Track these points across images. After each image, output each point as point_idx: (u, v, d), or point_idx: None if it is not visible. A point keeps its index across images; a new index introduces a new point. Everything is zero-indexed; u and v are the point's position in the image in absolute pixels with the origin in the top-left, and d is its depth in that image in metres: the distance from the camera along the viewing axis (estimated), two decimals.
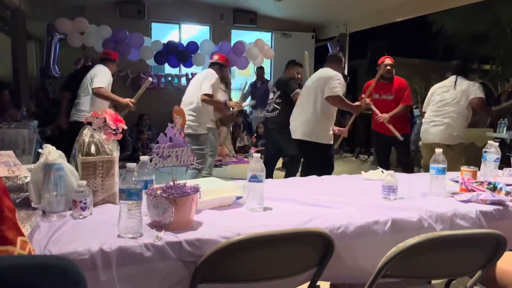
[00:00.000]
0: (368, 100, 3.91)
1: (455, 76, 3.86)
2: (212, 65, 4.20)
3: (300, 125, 3.68)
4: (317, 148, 3.62)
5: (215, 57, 4.28)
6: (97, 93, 4.17)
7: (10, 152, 1.78)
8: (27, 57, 7.35)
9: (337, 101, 3.52)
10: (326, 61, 3.85)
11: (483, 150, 2.30)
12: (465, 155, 3.83)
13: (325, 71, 3.66)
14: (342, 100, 3.53)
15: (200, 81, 3.95)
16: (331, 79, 3.51)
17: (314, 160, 3.69)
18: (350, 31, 8.99)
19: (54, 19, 6.87)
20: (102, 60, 4.59)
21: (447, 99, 3.83)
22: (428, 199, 1.90)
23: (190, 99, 3.95)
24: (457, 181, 2.16)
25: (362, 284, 1.46)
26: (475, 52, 12.62)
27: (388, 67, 4.35)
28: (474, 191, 1.91)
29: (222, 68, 4.15)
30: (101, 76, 4.28)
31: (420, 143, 4.12)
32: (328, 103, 3.52)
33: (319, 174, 2.53)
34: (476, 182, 2.02)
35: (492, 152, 2.25)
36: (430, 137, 3.89)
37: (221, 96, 4.28)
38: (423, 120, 4.06)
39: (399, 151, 4.69)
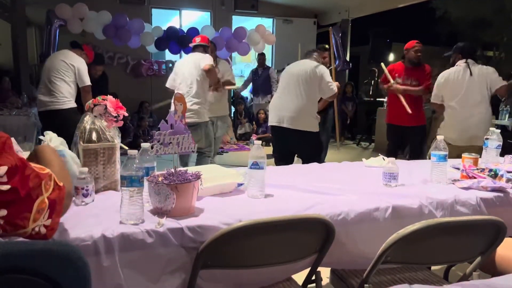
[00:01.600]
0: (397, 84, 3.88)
1: (465, 60, 3.53)
2: (195, 48, 4.12)
3: (291, 114, 3.56)
4: (310, 136, 3.61)
5: (197, 39, 4.19)
6: (87, 91, 4.08)
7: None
8: (27, 43, 7.32)
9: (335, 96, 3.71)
10: (309, 54, 3.79)
11: (485, 137, 2.30)
12: None
13: (313, 65, 3.60)
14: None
15: (194, 65, 3.87)
16: (324, 77, 3.53)
17: (308, 149, 3.66)
18: (352, 17, 8.90)
19: (53, 5, 6.81)
20: (73, 45, 4.30)
21: (468, 92, 3.44)
22: (429, 186, 1.90)
23: (188, 86, 3.85)
24: (458, 168, 2.16)
25: (362, 270, 1.48)
26: (478, 38, 12.51)
27: (419, 53, 4.26)
28: (475, 178, 1.92)
29: (206, 49, 4.08)
30: (86, 72, 4.16)
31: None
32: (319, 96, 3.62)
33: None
34: (477, 169, 2.02)
35: (494, 139, 2.25)
36: (466, 137, 3.41)
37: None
38: (448, 114, 3.60)
39: (414, 144, 4.39)
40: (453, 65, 3.64)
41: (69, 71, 4.04)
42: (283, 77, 3.69)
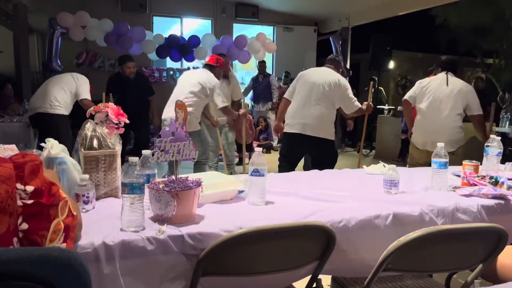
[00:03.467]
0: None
1: (445, 72, 3.67)
2: (204, 66, 4.24)
3: (314, 122, 3.58)
4: (330, 144, 3.68)
5: (206, 59, 4.35)
6: (85, 105, 4.17)
7: (13, 146, 1.79)
8: (29, 51, 7.35)
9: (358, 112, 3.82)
10: (330, 64, 3.81)
11: (485, 144, 2.30)
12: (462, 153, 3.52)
13: (337, 77, 3.66)
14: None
15: (196, 79, 3.88)
16: (347, 91, 3.62)
17: (326, 156, 3.68)
18: (352, 24, 8.94)
19: (55, 13, 6.86)
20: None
21: (441, 98, 3.56)
22: (430, 193, 1.90)
23: (183, 94, 3.81)
24: (459, 175, 2.16)
25: (363, 278, 1.47)
26: (478, 45, 12.55)
27: None
28: (476, 185, 1.92)
29: (212, 69, 4.11)
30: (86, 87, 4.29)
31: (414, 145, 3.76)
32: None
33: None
34: (478, 176, 2.02)
35: (494, 146, 2.25)
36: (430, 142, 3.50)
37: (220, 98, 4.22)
38: (418, 119, 3.72)
39: None
40: None
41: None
42: (303, 84, 3.66)
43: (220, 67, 4.21)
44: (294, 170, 3.35)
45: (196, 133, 3.87)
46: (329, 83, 3.57)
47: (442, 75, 3.69)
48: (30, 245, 1.00)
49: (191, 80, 3.93)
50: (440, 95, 3.58)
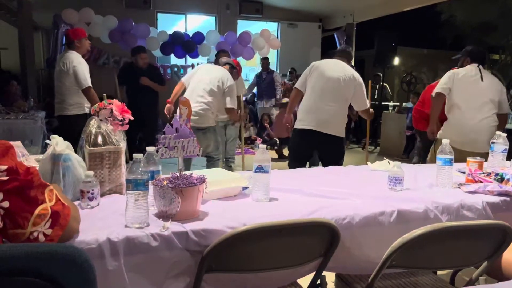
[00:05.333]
0: None
1: (477, 65, 3.30)
2: (227, 64, 4.25)
3: (329, 119, 3.43)
4: (341, 142, 3.59)
5: (226, 60, 4.39)
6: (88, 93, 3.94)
7: (18, 143, 1.80)
8: (34, 48, 7.38)
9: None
10: (342, 55, 3.65)
11: (491, 141, 2.28)
12: None
13: (351, 71, 3.51)
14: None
15: (220, 77, 3.91)
16: (362, 87, 3.49)
17: (337, 154, 3.56)
18: (357, 21, 8.91)
19: (60, 10, 6.88)
20: (68, 44, 4.07)
21: (478, 94, 3.22)
22: (435, 190, 1.89)
23: (204, 90, 3.84)
24: (463, 172, 2.15)
25: (367, 275, 1.47)
26: (483, 41, 12.46)
27: None
28: (481, 182, 1.90)
29: (232, 70, 4.19)
30: (83, 71, 3.92)
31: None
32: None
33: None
34: (483, 173, 2.01)
35: (500, 143, 2.24)
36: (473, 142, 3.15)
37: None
38: (453, 115, 3.30)
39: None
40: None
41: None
42: (318, 78, 3.43)
43: (236, 72, 4.33)
44: (302, 165, 3.37)
45: (212, 128, 3.92)
46: (345, 78, 3.40)
47: (474, 68, 3.30)
48: (11, 225, 1.02)
49: (214, 75, 3.94)
50: (476, 91, 3.23)
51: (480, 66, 3.31)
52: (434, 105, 3.44)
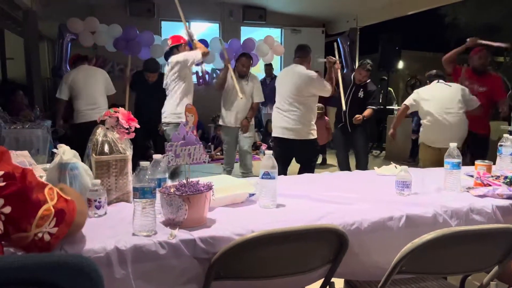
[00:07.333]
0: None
1: (437, 81, 4.07)
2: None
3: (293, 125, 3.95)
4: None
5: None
6: None
7: (25, 152, 1.81)
8: (39, 57, 7.44)
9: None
10: (297, 56, 4.08)
11: (499, 143, 2.26)
12: None
13: (303, 71, 3.94)
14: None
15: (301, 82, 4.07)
16: (314, 81, 3.91)
17: (309, 158, 4.01)
18: (361, 25, 8.91)
19: (65, 19, 6.94)
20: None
21: (447, 98, 3.92)
22: (443, 194, 1.88)
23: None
24: (472, 176, 2.13)
25: (377, 281, 1.46)
26: None
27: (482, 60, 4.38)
28: (490, 185, 1.89)
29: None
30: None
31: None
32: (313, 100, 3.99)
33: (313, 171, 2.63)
34: (492, 176, 1.99)
35: (508, 145, 2.22)
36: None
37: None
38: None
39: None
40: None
41: None
42: (277, 89, 4.20)
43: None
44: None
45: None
46: (297, 83, 3.88)
47: (435, 83, 4.07)
48: (14, 230, 1.02)
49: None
50: (442, 97, 3.94)
51: (441, 80, 4.07)
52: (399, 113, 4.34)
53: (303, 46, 4.12)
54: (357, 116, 4.62)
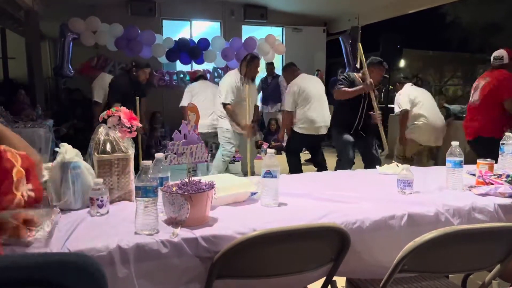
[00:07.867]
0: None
1: (411, 84, 4.91)
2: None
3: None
4: None
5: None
6: None
7: None
8: (41, 57, 7.45)
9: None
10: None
11: (501, 142, 2.26)
12: None
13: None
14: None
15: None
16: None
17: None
18: (362, 24, 8.89)
19: (66, 19, 6.95)
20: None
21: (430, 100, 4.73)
22: (445, 193, 1.87)
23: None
24: (474, 174, 2.13)
25: (378, 279, 1.46)
26: (489, 42, 12.40)
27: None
28: (492, 184, 1.88)
29: None
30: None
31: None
32: None
33: None
34: (494, 175, 1.98)
35: (510, 144, 2.21)
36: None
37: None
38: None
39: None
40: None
41: None
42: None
43: None
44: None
45: None
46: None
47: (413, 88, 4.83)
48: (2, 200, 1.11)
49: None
50: (427, 100, 4.74)
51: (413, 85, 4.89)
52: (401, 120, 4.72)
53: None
54: (377, 114, 4.28)
